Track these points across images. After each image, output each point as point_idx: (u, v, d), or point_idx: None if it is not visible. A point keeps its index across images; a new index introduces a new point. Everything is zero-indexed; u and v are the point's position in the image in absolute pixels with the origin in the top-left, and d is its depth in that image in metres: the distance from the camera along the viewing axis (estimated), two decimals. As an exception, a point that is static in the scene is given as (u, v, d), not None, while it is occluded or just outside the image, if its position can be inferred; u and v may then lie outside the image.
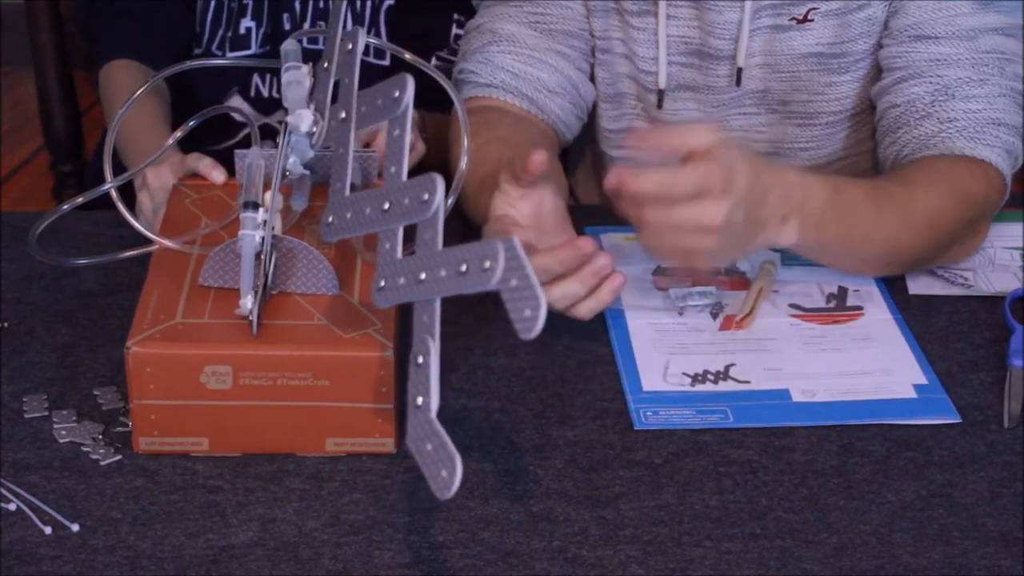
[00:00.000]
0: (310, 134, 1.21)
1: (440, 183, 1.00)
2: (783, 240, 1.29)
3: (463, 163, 1.22)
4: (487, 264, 0.93)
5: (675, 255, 1.25)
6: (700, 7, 1.53)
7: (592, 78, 1.62)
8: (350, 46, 1.16)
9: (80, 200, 1.26)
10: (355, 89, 1.14)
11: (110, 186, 1.26)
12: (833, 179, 1.32)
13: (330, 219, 1.12)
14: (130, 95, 1.30)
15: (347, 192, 1.12)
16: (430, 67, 1.24)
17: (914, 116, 1.46)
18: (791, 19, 1.52)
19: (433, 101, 1.51)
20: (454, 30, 1.75)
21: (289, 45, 1.25)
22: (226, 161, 1.37)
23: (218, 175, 1.37)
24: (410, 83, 1.07)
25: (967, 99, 1.44)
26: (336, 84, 1.18)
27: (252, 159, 1.25)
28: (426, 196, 1.01)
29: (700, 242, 1.21)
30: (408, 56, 1.26)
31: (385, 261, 1.05)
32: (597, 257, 1.24)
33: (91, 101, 1.79)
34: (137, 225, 1.28)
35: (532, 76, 1.55)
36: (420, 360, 1.00)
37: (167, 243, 1.26)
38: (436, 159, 1.55)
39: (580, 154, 1.75)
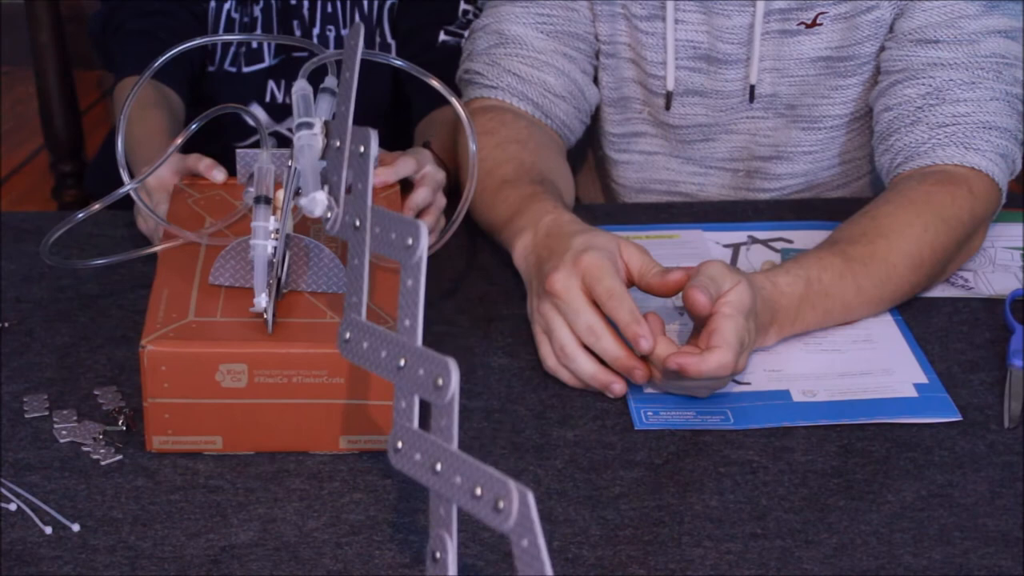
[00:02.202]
0: (324, 219, 1.09)
1: (455, 372, 0.88)
2: (765, 344, 1.30)
3: (464, 208, 1.24)
4: (501, 504, 0.84)
5: (681, 393, 1.27)
6: (709, 11, 1.53)
7: (595, 81, 1.61)
8: (362, 149, 1.03)
9: (96, 207, 1.26)
10: (369, 199, 1.02)
11: (127, 189, 1.26)
12: (805, 271, 1.30)
13: (347, 336, 1.01)
14: (141, 108, 1.30)
15: (363, 309, 1.02)
16: (444, 86, 1.23)
17: (905, 121, 1.45)
18: (799, 23, 1.52)
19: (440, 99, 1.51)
20: (462, 5, 1.75)
21: (300, 91, 1.18)
22: (227, 162, 1.37)
23: (218, 174, 1.37)
24: (424, 232, 0.94)
25: (956, 102, 1.44)
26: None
27: (262, 163, 1.24)
28: (440, 381, 0.89)
29: (713, 384, 1.25)
30: (436, 82, 1.24)
31: (401, 424, 0.94)
32: (634, 370, 1.24)
33: (91, 101, 1.79)
34: (165, 223, 1.28)
35: (538, 80, 1.54)
36: (437, 555, 0.92)
37: (191, 237, 1.25)
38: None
39: (583, 155, 1.75)
